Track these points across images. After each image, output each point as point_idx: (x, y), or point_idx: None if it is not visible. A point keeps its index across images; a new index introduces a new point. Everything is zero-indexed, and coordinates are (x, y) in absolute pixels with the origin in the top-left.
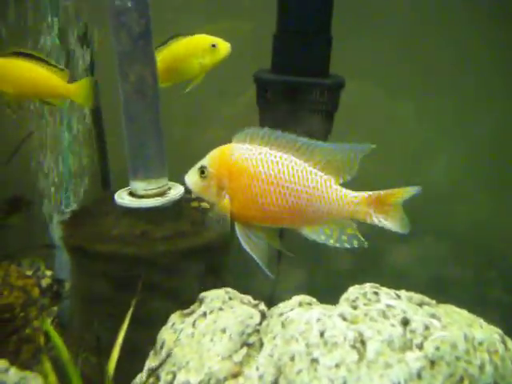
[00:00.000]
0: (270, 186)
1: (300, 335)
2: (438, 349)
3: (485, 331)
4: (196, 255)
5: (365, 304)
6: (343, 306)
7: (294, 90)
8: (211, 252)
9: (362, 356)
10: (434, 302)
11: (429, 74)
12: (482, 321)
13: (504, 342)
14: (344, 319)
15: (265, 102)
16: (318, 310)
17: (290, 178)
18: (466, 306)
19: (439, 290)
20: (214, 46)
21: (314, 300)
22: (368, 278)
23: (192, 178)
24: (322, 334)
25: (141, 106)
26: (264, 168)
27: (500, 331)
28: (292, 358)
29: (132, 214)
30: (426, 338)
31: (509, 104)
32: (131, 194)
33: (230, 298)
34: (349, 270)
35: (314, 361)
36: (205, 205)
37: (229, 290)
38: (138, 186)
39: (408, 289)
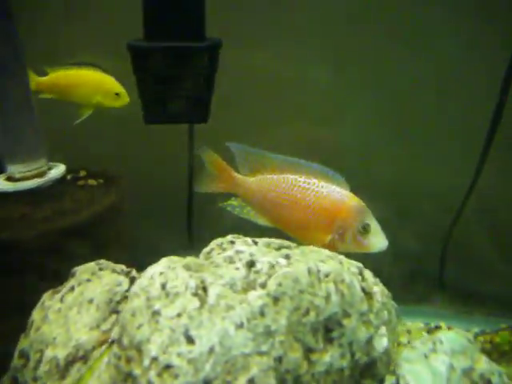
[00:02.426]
0: None
1: (141, 290)
2: (280, 285)
3: (342, 265)
4: (78, 233)
5: (218, 254)
6: (195, 258)
7: (171, 55)
8: (95, 228)
9: (203, 302)
10: (294, 245)
11: (341, 36)
12: (343, 257)
13: (361, 274)
14: (188, 269)
15: (142, 72)
16: (164, 263)
17: None
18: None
19: None
20: (117, 94)
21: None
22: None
23: None
24: (163, 287)
25: (7, 86)
26: None
27: (360, 265)
28: (133, 314)
29: (10, 199)
30: (270, 276)
31: (421, 58)
32: (9, 178)
33: (101, 269)
34: None
35: (156, 313)
36: (92, 182)
37: (101, 261)
38: (15, 169)
39: None
